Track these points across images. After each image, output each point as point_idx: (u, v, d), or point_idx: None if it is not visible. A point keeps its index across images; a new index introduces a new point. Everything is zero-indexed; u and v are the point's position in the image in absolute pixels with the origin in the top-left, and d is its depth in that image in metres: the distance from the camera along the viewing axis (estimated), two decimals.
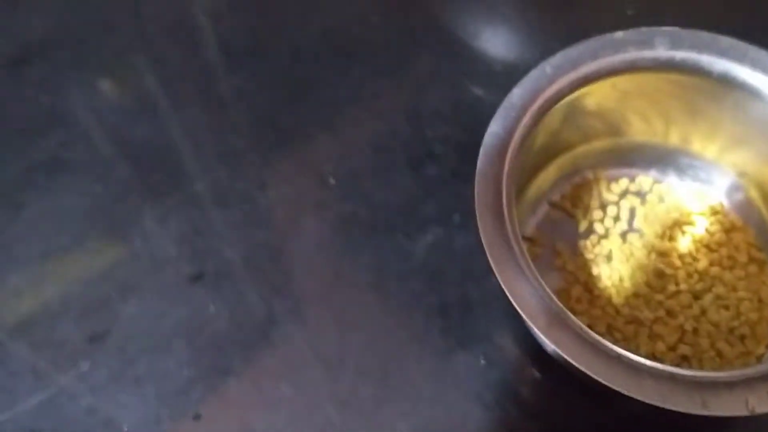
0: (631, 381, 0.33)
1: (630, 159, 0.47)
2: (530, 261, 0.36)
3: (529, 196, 0.46)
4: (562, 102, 0.41)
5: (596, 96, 0.42)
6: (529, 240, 0.45)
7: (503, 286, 0.35)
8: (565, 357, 0.33)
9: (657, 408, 0.32)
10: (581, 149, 0.46)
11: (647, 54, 0.41)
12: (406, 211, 0.48)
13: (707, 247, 0.44)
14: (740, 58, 0.40)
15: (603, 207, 0.46)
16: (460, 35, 0.55)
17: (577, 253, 0.45)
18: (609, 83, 0.41)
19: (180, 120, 0.52)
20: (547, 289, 0.35)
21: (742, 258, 0.44)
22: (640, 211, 0.46)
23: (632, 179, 0.47)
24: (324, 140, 0.50)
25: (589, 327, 0.35)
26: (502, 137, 0.39)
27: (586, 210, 0.46)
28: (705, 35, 0.41)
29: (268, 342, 0.44)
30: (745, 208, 0.45)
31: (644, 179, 0.47)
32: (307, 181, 0.49)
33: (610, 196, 0.47)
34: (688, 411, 0.32)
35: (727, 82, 0.41)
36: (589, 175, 0.47)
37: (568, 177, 0.47)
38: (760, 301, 0.42)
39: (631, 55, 0.41)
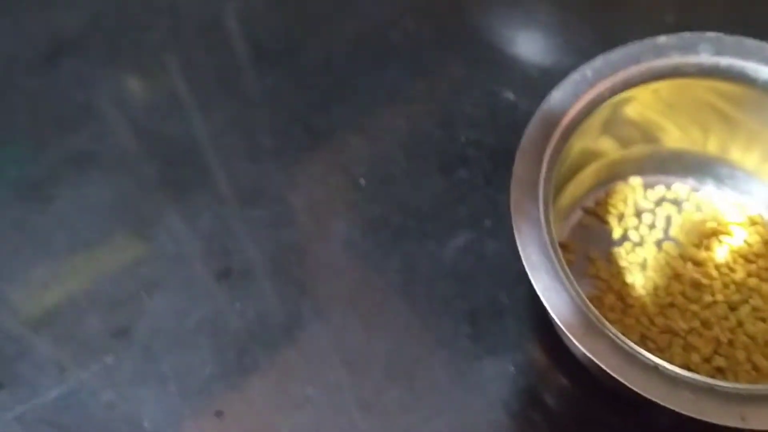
0: (668, 392, 0.32)
1: (667, 166, 0.46)
2: (567, 268, 0.35)
3: (563, 202, 0.45)
4: (602, 106, 0.40)
5: (637, 101, 0.41)
6: (562, 246, 0.44)
7: (539, 293, 0.34)
8: (602, 366, 0.32)
9: (687, 420, 0.31)
10: (618, 155, 0.46)
11: (691, 59, 0.40)
12: (436, 215, 0.47)
13: (745, 257, 0.43)
14: None
15: (638, 214, 0.46)
16: (496, 40, 0.54)
17: (611, 261, 0.44)
18: (650, 89, 0.40)
19: (210, 119, 0.52)
20: (584, 297, 0.35)
21: None
22: (676, 220, 0.45)
23: (669, 187, 0.46)
24: (355, 142, 0.50)
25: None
26: (539, 142, 0.38)
27: (621, 217, 0.45)
28: (750, 42, 0.40)
29: (292, 342, 0.43)
30: None
31: (681, 187, 0.46)
32: (337, 183, 0.48)
33: (645, 204, 0.46)
34: (727, 424, 0.31)
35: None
36: (625, 181, 0.46)
37: (603, 183, 0.46)
38: None
39: (674, 60, 0.40)
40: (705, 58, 0.40)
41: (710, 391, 0.32)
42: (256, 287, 0.45)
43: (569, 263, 0.43)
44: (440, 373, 0.42)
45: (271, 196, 0.48)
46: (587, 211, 0.46)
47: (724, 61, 0.40)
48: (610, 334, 0.33)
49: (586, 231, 0.45)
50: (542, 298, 0.34)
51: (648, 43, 0.40)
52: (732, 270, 0.43)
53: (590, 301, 0.41)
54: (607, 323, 0.34)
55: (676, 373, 0.32)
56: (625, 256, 0.44)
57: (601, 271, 0.44)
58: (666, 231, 0.45)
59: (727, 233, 0.44)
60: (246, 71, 0.54)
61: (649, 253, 0.44)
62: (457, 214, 0.47)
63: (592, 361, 0.33)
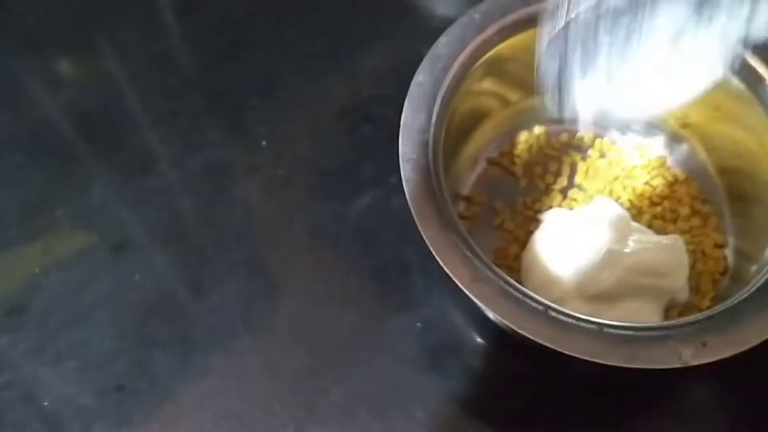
0: (558, 335, 0.32)
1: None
2: (456, 217, 0.34)
3: (467, 154, 0.44)
4: (494, 52, 0.39)
5: (531, 46, 0.40)
6: (467, 199, 0.44)
7: (427, 242, 0.33)
8: (487, 310, 0.32)
9: (597, 366, 0.31)
10: (519, 105, 0.45)
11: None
12: (341, 173, 0.46)
13: (650, 200, 0.43)
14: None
15: (543, 163, 0.45)
16: None
17: (516, 211, 0.43)
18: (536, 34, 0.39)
19: (104, 86, 0.49)
20: (473, 245, 0.34)
21: (685, 211, 0.43)
22: (581, 167, 0.45)
23: (573, 135, 0.46)
24: (256, 103, 0.48)
25: None
26: (427, 88, 0.37)
27: (526, 167, 0.45)
28: None
29: (194, 311, 0.42)
30: (689, 160, 0.44)
31: (585, 134, 0.45)
32: (237, 145, 0.47)
33: (550, 152, 0.45)
34: (617, 364, 0.31)
35: None
36: (529, 130, 0.46)
37: (507, 133, 0.46)
38: (703, 254, 0.41)
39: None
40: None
41: (600, 332, 0.32)
42: (155, 258, 0.43)
43: (474, 215, 0.42)
44: (347, 333, 0.41)
45: (168, 163, 0.46)
46: (492, 162, 0.45)
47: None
48: (500, 281, 0.32)
49: (491, 182, 0.45)
50: (430, 247, 0.33)
51: None
52: (638, 213, 0.43)
53: (496, 251, 0.41)
54: (498, 270, 0.33)
55: (568, 317, 0.32)
56: (531, 205, 0.44)
57: (506, 222, 0.43)
58: (571, 179, 0.45)
59: (632, 177, 0.44)
60: (142, 35, 0.52)
61: (554, 201, 0.44)
62: (363, 171, 0.46)
63: (481, 306, 0.32)
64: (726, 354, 0.31)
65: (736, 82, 0.38)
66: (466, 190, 0.44)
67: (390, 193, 0.45)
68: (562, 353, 0.31)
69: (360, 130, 0.47)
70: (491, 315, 0.32)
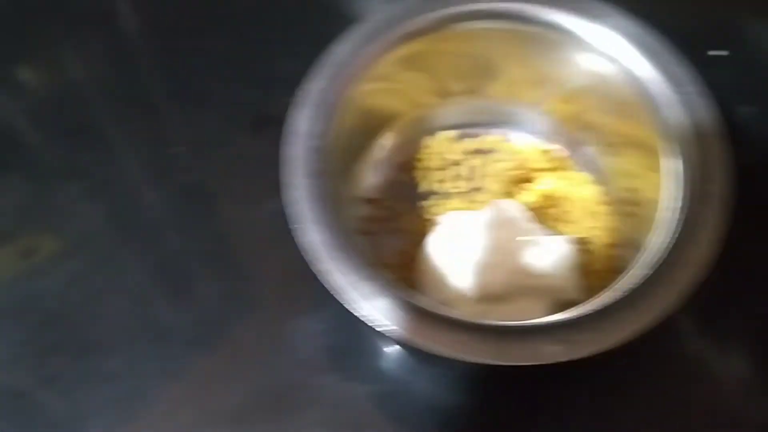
0: (426, 332, 0.32)
1: (474, 118, 0.46)
2: (340, 220, 0.35)
3: (372, 158, 0.45)
4: (389, 58, 0.40)
5: (428, 53, 0.41)
6: (371, 202, 0.44)
7: (304, 246, 0.34)
8: (355, 312, 0.32)
9: (489, 367, 0.32)
10: (424, 109, 0.45)
11: (470, 7, 0.40)
12: (252, 177, 0.46)
13: (549, 202, 0.44)
14: (570, 8, 0.39)
15: (447, 167, 0.46)
16: None
17: (419, 215, 0.44)
18: (438, 38, 0.40)
19: (18, 92, 0.50)
20: (355, 248, 0.34)
21: (581, 212, 0.43)
22: (484, 170, 0.45)
23: (476, 138, 0.46)
24: (169, 109, 0.49)
25: None
26: (319, 94, 0.37)
27: (430, 171, 0.45)
28: None
29: (97, 317, 0.42)
30: (588, 162, 0.45)
31: (488, 138, 0.46)
32: (150, 152, 0.47)
33: (453, 156, 0.46)
34: (481, 361, 0.32)
35: (555, 33, 0.40)
36: (434, 135, 0.46)
37: (412, 138, 0.46)
38: (595, 253, 0.42)
39: (454, 9, 0.40)
40: (485, 4, 0.40)
41: (465, 328, 0.32)
42: (65, 264, 0.44)
43: (378, 218, 0.43)
44: (248, 335, 0.42)
45: (84, 170, 0.47)
46: (397, 166, 0.46)
47: (504, 5, 0.39)
48: (372, 281, 0.33)
49: (396, 186, 0.45)
50: (307, 252, 0.34)
51: None
52: (538, 214, 0.43)
53: (399, 254, 0.41)
54: (372, 270, 0.33)
55: (436, 312, 0.32)
56: (433, 209, 0.44)
57: (409, 225, 0.44)
58: (473, 181, 0.45)
59: (532, 179, 0.44)
60: (59, 41, 0.52)
61: (456, 204, 0.44)
62: (274, 176, 0.46)
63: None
64: (592, 351, 0.32)
65: (625, 85, 0.39)
66: (370, 194, 0.45)
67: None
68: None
69: (272, 136, 0.47)
70: (361, 317, 0.32)
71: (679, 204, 0.34)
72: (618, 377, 0.39)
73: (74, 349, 0.42)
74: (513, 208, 0.42)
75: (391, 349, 0.41)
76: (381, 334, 0.40)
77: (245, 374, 0.41)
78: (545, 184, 0.44)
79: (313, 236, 0.34)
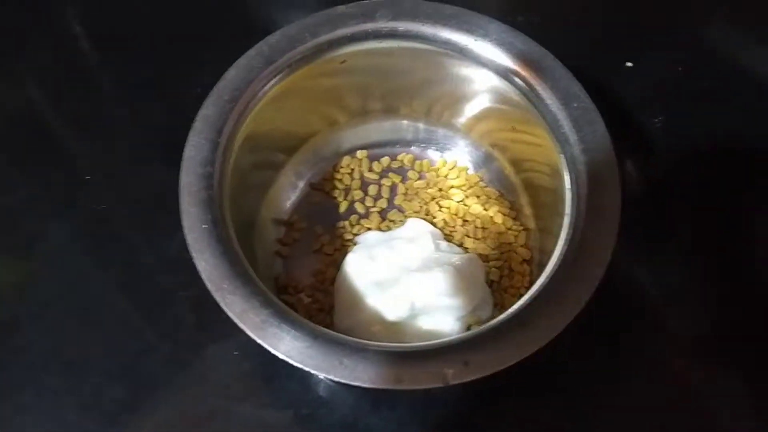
0: (324, 361, 0.32)
1: (391, 137, 0.47)
2: (234, 246, 0.35)
3: (286, 179, 0.45)
4: (285, 82, 0.39)
5: (329, 74, 0.41)
6: (286, 224, 0.44)
7: (201, 273, 0.34)
8: (254, 337, 0.32)
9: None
10: (339, 130, 0.46)
11: (369, 26, 0.40)
12: (162, 204, 0.45)
13: (463, 219, 0.44)
14: (462, 26, 0.39)
15: (363, 187, 0.46)
16: (234, 16, 0.53)
17: (336, 235, 0.44)
18: (337, 59, 0.40)
19: None
20: (253, 275, 0.34)
21: (496, 228, 0.43)
22: (400, 189, 0.45)
23: (394, 157, 0.47)
24: (80, 136, 0.48)
25: None
26: (212, 120, 0.37)
27: (347, 191, 0.45)
28: (426, 4, 0.40)
29: (9, 349, 0.42)
30: (501, 178, 0.45)
31: (405, 156, 0.46)
32: (58, 179, 0.47)
33: (371, 176, 0.46)
34: (383, 387, 0.31)
35: (452, 51, 0.40)
36: (351, 155, 0.46)
37: (328, 158, 0.46)
38: (510, 269, 0.42)
39: (352, 29, 0.40)
40: (383, 23, 0.40)
41: (364, 353, 0.32)
42: None
43: (294, 240, 0.43)
44: (162, 366, 0.41)
45: None
46: (314, 187, 0.46)
47: (402, 25, 0.40)
48: (269, 310, 0.33)
49: (313, 207, 0.45)
50: (204, 279, 0.33)
51: (325, 14, 0.40)
52: (452, 232, 0.44)
53: (315, 275, 0.41)
54: (272, 298, 0.33)
55: (335, 339, 0.32)
56: (350, 228, 0.44)
57: (325, 246, 0.44)
58: (391, 200, 0.45)
59: (448, 197, 0.45)
60: None
61: (372, 223, 0.44)
62: None
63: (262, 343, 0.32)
64: (486, 372, 0.32)
65: (521, 102, 0.39)
66: (286, 216, 0.44)
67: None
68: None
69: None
70: (261, 342, 0.32)
71: (571, 219, 0.35)
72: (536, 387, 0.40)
73: None
74: (426, 225, 0.42)
75: (308, 373, 0.41)
76: None
77: (158, 404, 0.40)
78: (459, 202, 0.44)
79: (209, 264, 0.34)
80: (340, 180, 0.46)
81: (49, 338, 0.42)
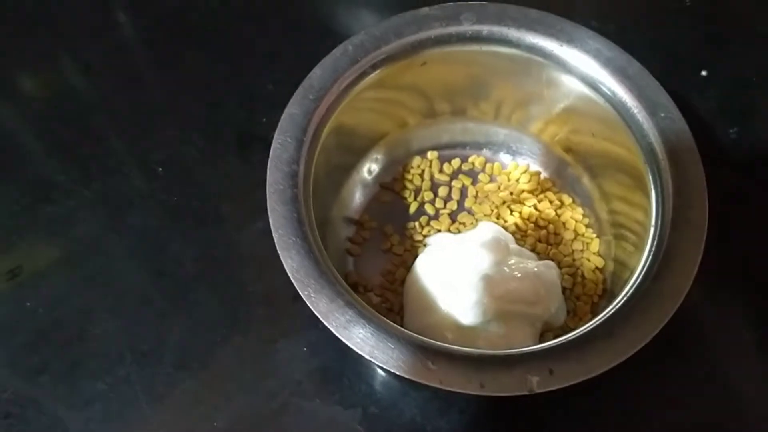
0: (407, 362, 0.32)
1: (462, 139, 0.46)
2: (319, 243, 0.35)
3: (358, 179, 0.45)
4: (368, 82, 0.39)
5: (410, 75, 0.41)
6: (357, 223, 0.44)
7: (287, 271, 0.34)
8: (345, 342, 0.32)
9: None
10: (411, 130, 0.46)
11: (453, 29, 0.40)
12: (235, 198, 0.46)
13: (535, 224, 0.44)
14: (549, 32, 0.39)
15: (434, 188, 0.46)
16: (305, 13, 0.53)
17: (406, 236, 0.44)
18: (419, 60, 0.40)
19: (2, 113, 0.50)
20: (336, 274, 0.34)
21: (569, 235, 0.43)
22: (471, 191, 0.45)
23: (465, 159, 0.46)
24: (154, 129, 0.49)
25: None
26: (298, 119, 0.37)
27: (417, 191, 0.45)
28: (512, 8, 0.40)
29: (84, 339, 0.42)
30: (574, 184, 0.45)
31: (476, 159, 0.46)
32: (134, 173, 0.47)
33: (441, 177, 0.46)
34: (467, 391, 0.31)
35: (537, 56, 0.40)
36: (422, 156, 0.46)
37: (399, 159, 0.46)
38: (583, 277, 0.42)
39: (437, 31, 0.40)
40: (467, 27, 0.40)
41: (450, 358, 0.32)
42: (47, 285, 0.44)
43: (363, 239, 0.43)
44: (233, 359, 0.42)
45: (64, 191, 0.46)
46: (384, 187, 0.46)
47: (486, 28, 0.40)
48: (354, 307, 0.33)
49: (383, 206, 0.45)
50: (291, 277, 0.34)
51: (410, 15, 0.40)
52: (524, 236, 0.43)
53: (384, 275, 0.41)
54: (354, 298, 0.33)
55: (419, 343, 0.32)
56: (420, 230, 0.44)
57: (395, 246, 0.44)
58: (461, 203, 0.45)
59: (520, 201, 0.44)
60: (39, 63, 0.52)
61: (443, 225, 0.44)
62: (257, 196, 0.46)
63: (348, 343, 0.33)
64: (572, 381, 0.32)
65: (606, 108, 0.39)
66: (356, 215, 0.45)
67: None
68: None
69: (257, 156, 0.48)
70: (340, 336, 0.32)
71: (657, 230, 0.34)
72: (600, 403, 0.39)
73: (60, 371, 0.41)
74: (498, 229, 0.42)
75: (378, 373, 0.41)
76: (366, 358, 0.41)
77: (230, 397, 0.41)
78: (531, 207, 0.44)
79: (295, 262, 0.34)
80: (411, 180, 0.46)
81: (123, 329, 0.42)
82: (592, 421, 0.40)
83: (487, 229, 0.42)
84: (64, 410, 0.41)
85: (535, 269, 0.39)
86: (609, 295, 0.41)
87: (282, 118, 0.38)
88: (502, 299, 0.38)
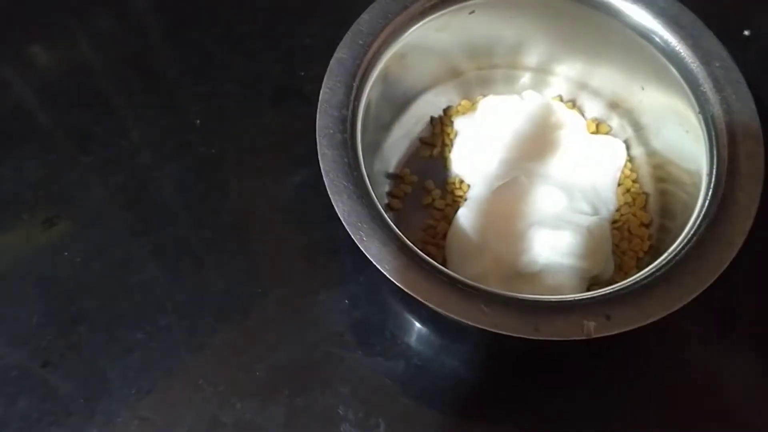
0: (462, 306, 0.31)
1: (508, 92, 0.46)
2: (371, 191, 0.34)
3: (398, 133, 0.44)
4: (417, 29, 0.39)
5: (455, 24, 0.41)
6: (398, 177, 0.44)
7: (339, 215, 0.34)
8: (399, 285, 0.32)
9: (520, 342, 0.31)
10: (454, 83, 0.45)
11: None
12: (273, 151, 0.46)
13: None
14: None
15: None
16: None
17: (447, 191, 0.44)
18: (467, 8, 0.40)
19: (34, 65, 0.49)
20: (386, 218, 0.34)
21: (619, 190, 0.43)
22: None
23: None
24: (191, 82, 0.48)
25: None
26: (347, 64, 0.37)
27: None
28: None
29: (122, 288, 0.42)
30: (620, 139, 0.44)
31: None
32: (171, 124, 0.47)
33: None
34: (521, 335, 0.31)
35: (588, 6, 0.39)
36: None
37: (440, 112, 0.46)
38: (630, 232, 0.42)
39: None
40: None
41: (505, 303, 0.32)
42: (85, 234, 0.43)
43: (404, 194, 0.42)
44: (274, 310, 0.41)
45: (104, 141, 0.46)
46: (424, 141, 0.45)
47: None
48: (409, 254, 0.32)
49: (423, 161, 0.45)
50: (343, 221, 0.33)
51: None
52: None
53: (425, 229, 0.41)
54: (407, 242, 0.33)
55: (472, 289, 0.32)
56: (459, 185, 0.44)
57: (436, 200, 0.43)
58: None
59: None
60: (77, 12, 0.52)
61: None
62: (295, 149, 0.46)
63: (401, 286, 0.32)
64: (628, 327, 0.31)
65: (659, 59, 0.38)
66: (397, 169, 0.44)
67: (321, 172, 0.45)
68: (482, 329, 0.31)
69: (295, 109, 0.47)
70: (397, 282, 0.32)
71: (711, 179, 0.34)
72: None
73: (98, 320, 0.41)
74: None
75: (419, 325, 0.41)
76: (409, 309, 0.40)
77: (271, 348, 0.40)
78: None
79: (346, 206, 0.33)
80: (448, 135, 0.45)
81: (162, 279, 0.42)
82: (637, 371, 0.40)
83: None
84: (103, 359, 0.40)
85: (589, 225, 0.39)
86: (655, 251, 0.41)
87: (331, 62, 0.37)
88: (552, 252, 0.38)
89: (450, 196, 0.43)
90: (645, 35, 0.38)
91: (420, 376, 0.40)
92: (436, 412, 0.39)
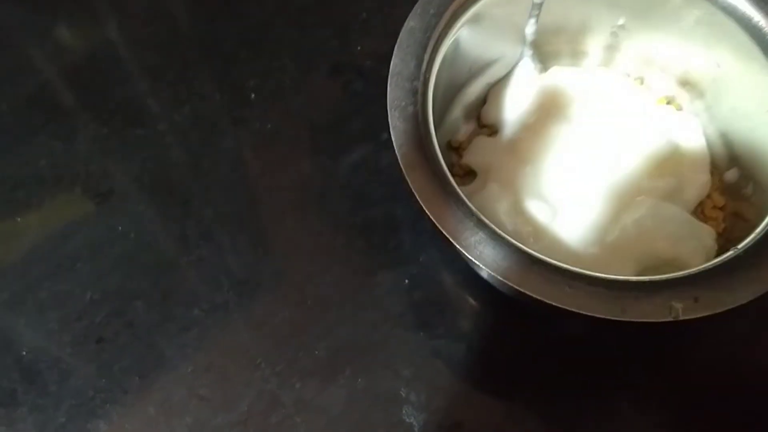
0: (546, 287, 0.30)
1: (568, 64, 0.44)
2: (443, 164, 0.33)
3: (461, 105, 0.43)
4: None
5: None
6: (459, 150, 0.43)
7: (413, 189, 0.32)
8: (472, 260, 0.31)
9: (588, 324, 0.30)
10: (518, 55, 0.44)
11: None
12: (331, 128, 0.45)
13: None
14: None
15: None
16: None
17: None
18: None
19: (92, 37, 0.48)
20: (459, 192, 0.33)
21: (692, 169, 0.41)
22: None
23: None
24: (246, 56, 0.47)
25: None
26: (418, 35, 0.36)
27: None
28: None
29: (177, 265, 0.41)
30: (702, 116, 0.43)
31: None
32: (226, 98, 0.46)
33: None
34: (607, 317, 0.30)
35: None
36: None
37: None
38: (703, 214, 0.40)
39: None
40: None
41: (590, 284, 0.30)
42: (138, 209, 0.43)
43: (464, 172, 0.41)
44: (332, 290, 0.40)
45: (156, 114, 0.45)
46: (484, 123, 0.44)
47: None
48: (490, 232, 0.31)
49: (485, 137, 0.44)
50: (416, 195, 0.32)
51: None
52: None
53: None
54: (483, 218, 0.32)
55: (556, 270, 0.31)
56: None
57: None
58: None
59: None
60: None
61: None
62: (353, 126, 0.45)
63: (467, 256, 0.31)
64: (717, 310, 0.30)
65: (739, 35, 0.37)
66: (458, 142, 0.43)
67: (380, 149, 0.44)
68: (551, 310, 0.30)
69: (351, 85, 0.46)
70: (478, 265, 0.31)
71: None
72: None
73: (153, 297, 0.40)
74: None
75: (481, 307, 0.40)
76: (471, 292, 0.39)
77: (331, 328, 0.39)
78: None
79: (420, 181, 0.32)
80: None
81: (220, 256, 0.41)
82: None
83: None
84: (159, 335, 0.40)
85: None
86: (728, 234, 0.39)
87: (401, 32, 0.36)
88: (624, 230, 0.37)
89: None
90: (726, 9, 0.37)
91: (484, 355, 0.39)
92: (501, 397, 0.38)
